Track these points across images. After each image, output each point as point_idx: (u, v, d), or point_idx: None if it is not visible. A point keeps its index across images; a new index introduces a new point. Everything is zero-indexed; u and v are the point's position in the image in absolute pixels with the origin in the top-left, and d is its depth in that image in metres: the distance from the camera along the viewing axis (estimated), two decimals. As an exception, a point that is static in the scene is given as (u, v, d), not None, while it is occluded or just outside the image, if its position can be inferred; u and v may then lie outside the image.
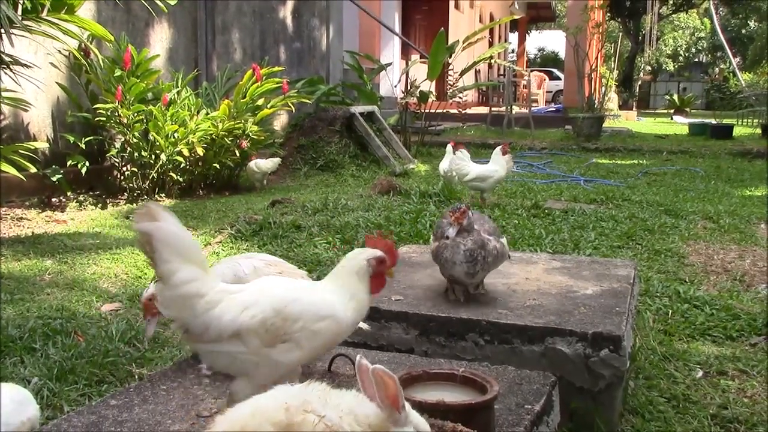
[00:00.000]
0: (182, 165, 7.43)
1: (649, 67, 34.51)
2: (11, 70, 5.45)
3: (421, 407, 1.63)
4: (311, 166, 9.39)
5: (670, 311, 3.76)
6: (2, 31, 5.09)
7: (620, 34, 33.73)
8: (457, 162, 6.50)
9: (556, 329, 2.47)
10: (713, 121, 17.42)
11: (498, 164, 6.41)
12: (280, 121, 10.87)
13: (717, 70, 37.19)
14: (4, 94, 5.67)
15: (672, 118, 23.51)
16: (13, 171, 5.77)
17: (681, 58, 40.95)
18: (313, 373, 2.09)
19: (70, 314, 3.53)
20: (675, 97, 27.29)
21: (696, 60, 42.13)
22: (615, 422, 2.53)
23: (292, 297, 1.75)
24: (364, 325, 2.39)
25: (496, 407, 1.82)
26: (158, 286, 1.68)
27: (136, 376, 2.84)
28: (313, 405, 1.27)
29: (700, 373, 3.07)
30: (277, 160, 8.40)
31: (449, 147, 6.91)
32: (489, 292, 2.83)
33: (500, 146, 6.55)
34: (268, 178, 8.40)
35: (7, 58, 5.38)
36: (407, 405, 1.38)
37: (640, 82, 32.42)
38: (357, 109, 10.28)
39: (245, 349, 1.70)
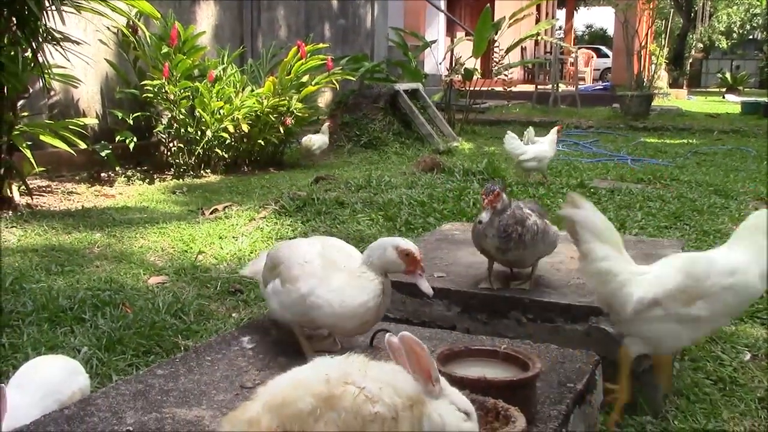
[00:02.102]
0: (227, 141, 7.51)
1: (700, 45, 33.63)
2: (61, 47, 5.54)
3: (462, 383, 1.63)
4: (355, 143, 9.40)
5: (718, 293, 3.68)
6: (53, 8, 5.17)
7: (671, 10, 32.88)
8: (511, 142, 6.52)
9: (600, 308, 2.44)
10: (767, 100, 16.95)
11: (549, 144, 6.53)
12: (325, 99, 10.88)
13: (772, 47, 36.05)
14: (54, 70, 5.77)
15: (724, 97, 22.94)
16: (63, 146, 5.90)
17: (735, 35, 39.75)
18: (355, 348, 2.10)
19: (118, 286, 3.61)
20: (727, 75, 26.61)
21: (750, 37, 40.86)
22: (659, 403, 2.50)
23: (694, 259, 2.01)
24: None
25: (538, 385, 1.81)
26: (580, 261, 2.00)
27: (182, 348, 2.89)
28: (353, 377, 1.27)
29: (748, 356, 3.01)
30: (320, 137, 8.43)
31: (554, 131, 6.80)
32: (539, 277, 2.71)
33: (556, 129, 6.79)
34: (313, 154, 8.45)
35: (57, 35, 5.47)
36: (443, 380, 1.38)
37: (691, 60, 31.63)
38: (401, 86, 10.24)
39: (663, 313, 1.97)
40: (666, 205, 5.63)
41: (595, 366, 2.09)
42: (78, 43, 5.80)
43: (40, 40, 5.31)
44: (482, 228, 2.51)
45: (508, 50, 12.17)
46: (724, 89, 25.33)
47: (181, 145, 7.37)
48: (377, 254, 1.92)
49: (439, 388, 1.34)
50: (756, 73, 30.53)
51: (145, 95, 7.15)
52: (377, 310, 1.93)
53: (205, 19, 9.04)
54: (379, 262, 1.92)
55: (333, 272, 1.96)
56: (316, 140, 8.23)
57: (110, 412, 1.72)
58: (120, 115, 7.23)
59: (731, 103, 19.38)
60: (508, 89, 13.71)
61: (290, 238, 4.64)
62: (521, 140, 6.61)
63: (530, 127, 6.89)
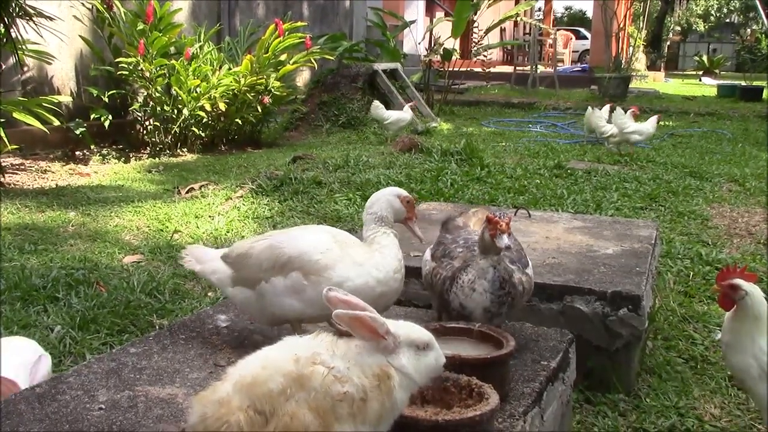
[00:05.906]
0: (204, 120, 7.44)
1: (678, 28, 33.81)
2: (35, 22, 5.45)
3: (437, 360, 1.63)
4: (333, 123, 9.36)
5: (692, 273, 3.73)
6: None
7: (650, -8, 32.95)
8: (621, 117, 7.33)
9: (574, 287, 2.46)
10: (743, 83, 17.08)
11: (646, 125, 7.39)
12: (303, 78, 10.81)
13: (749, 31, 36.24)
14: (28, 46, 5.68)
15: (700, 80, 23.08)
16: (37, 124, 5.81)
17: (712, 19, 39.99)
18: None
19: (92, 265, 3.57)
20: (704, 58, 26.75)
21: (727, 21, 41.11)
22: (631, 381, 2.53)
23: None
24: None
25: (512, 363, 1.82)
26: None
27: (157, 327, 2.88)
28: (322, 356, 1.27)
29: (719, 335, 3.04)
30: (397, 113, 8.41)
31: (629, 111, 7.54)
32: None
33: (630, 110, 7.61)
34: (386, 129, 8.36)
35: (30, 10, 5.38)
36: (391, 322, 1.36)
37: (668, 43, 31.80)
38: (380, 66, 10.19)
39: None
40: (642, 187, 5.68)
41: (568, 344, 2.10)
42: (52, 19, 5.71)
43: (13, 14, 5.22)
44: (469, 280, 1.90)
45: (487, 31, 12.14)
46: (700, 72, 25.47)
47: (157, 124, 7.30)
48: (384, 206, 1.90)
49: (393, 339, 1.34)
50: (732, 57, 30.71)
51: (120, 73, 7.05)
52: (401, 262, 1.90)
53: (182, -5, 8.92)
54: (388, 213, 1.90)
55: (350, 250, 1.87)
56: (391, 115, 8.20)
57: (82, 390, 1.71)
58: (95, 92, 7.13)
59: (708, 86, 19.52)
60: (487, 70, 13.70)
61: (267, 218, 4.62)
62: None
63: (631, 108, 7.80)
